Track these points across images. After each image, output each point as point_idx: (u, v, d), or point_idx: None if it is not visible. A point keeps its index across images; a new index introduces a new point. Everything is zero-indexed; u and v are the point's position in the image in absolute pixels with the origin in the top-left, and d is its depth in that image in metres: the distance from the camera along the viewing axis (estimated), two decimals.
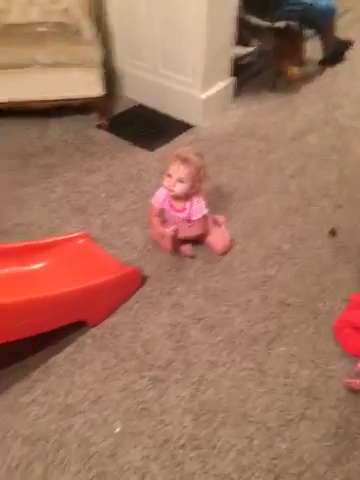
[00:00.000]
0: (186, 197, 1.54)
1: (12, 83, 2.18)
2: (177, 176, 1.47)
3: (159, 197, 1.60)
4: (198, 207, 1.56)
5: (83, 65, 2.17)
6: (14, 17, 2.37)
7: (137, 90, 2.63)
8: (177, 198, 1.55)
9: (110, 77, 2.62)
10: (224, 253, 1.68)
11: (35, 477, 1.11)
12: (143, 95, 2.60)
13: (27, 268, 1.37)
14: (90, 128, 2.39)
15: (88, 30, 2.19)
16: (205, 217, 1.60)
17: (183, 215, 1.59)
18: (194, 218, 1.57)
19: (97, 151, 2.23)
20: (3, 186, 2.00)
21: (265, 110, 2.59)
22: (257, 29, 2.88)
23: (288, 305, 1.53)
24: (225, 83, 2.51)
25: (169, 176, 1.48)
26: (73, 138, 2.32)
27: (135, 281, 1.52)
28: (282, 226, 1.84)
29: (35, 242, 1.47)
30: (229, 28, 2.32)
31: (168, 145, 2.29)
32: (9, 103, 2.24)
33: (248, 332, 1.44)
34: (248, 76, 2.85)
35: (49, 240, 1.51)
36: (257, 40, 3.00)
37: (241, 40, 2.75)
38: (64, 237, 1.55)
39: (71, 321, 1.33)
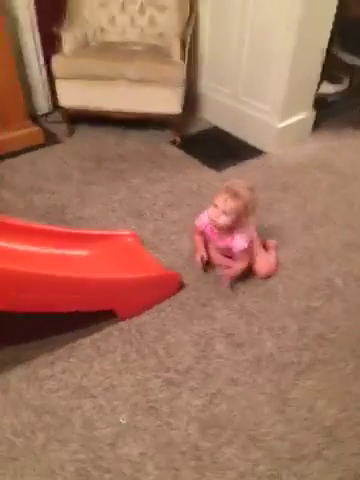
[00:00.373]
0: (229, 230, 1.50)
1: (100, 93, 2.38)
2: (223, 208, 1.43)
3: (203, 220, 1.57)
4: (240, 242, 1.51)
5: (166, 84, 2.31)
6: (114, 36, 2.62)
7: (215, 113, 2.72)
8: (220, 228, 1.51)
9: (192, 99, 2.77)
10: (267, 277, 1.64)
11: (35, 445, 1.13)
12: (220, 118, 2.69)
13: (72, 252, 1.45)
14: (163, 143, 2.51)
15: (177, 53, 2.33)
16: (247, 251, 1.54)
17: (223, 244, 1.56)
18: (235, 250, 1.53)
19: (165, 164, 2.33)
20: (73, 182, 2.16)
21: (345, 147, 2.53)
22: (350, 67, 2.87)
23: (327, 340, 1.43)
24: (304, 116, 2.50)
25: (215, 206, 1.45)
26: (146, 150, 2.45)
27: (172, 285, 1.53)
28: (338, 260, 1.75)
29: (85, 231, 1.55)
30: (316, 63, 2.33)
31: (235, 167, 2.32)
32: (95, 111, 2.45)
33: (277, 358, 1.36)
34: (332, 112, 2.82)
35: (98, 232, 1.59)
36: (349, 78, 2.97)
37: (331, 77, 2.75)
38: (113, 232, 1.62)
39: (102, 308, 1.37)
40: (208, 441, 1.15)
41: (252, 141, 2.52)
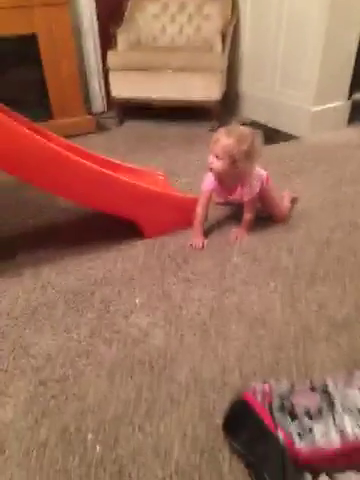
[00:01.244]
0: (235, 180, 1.47)
1: (148, 83, 2.66)
2: (215, 151, 1.38)
3: (207, 181, 1.51)
4: (248, 191, 1.48)
5: (207, 71, 2.55)
6: (164, 42, 2.96)
7: (253, 108, 2.91)
8: (222, 179, 1.47)
9: (233, 98, 2.99)
10: (282, 221, 1.65)
11: (55, 313, 1.23)
12: (257, 112, 2.86)
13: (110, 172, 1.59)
14: (202, 130, 2.70)
15: (218, 45, 2.58)
16: (254, 201, 1.52)
17: (232, 198, 1.54)
18: (244, 199, 1.51)
19: (201, 142, 2.47)
20: (118, 153, 2.37)
21: None
22: None
23: (344, 261, 1.43)
24: (339, 103, 2.60)
25: (210, 152, 1.41)
26: (185, 133, 2.65)
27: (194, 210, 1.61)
28: None
29: (127, 165, 1.74)
30: (347, 51, 2.46)
31: (268, 147, 2.44)
32: (143, 100, 2.72)
33: (292, 270, 1.39)
34: None
35: (137, 167, 1.76)
36: None
37: None
38: (148, 169, 1.78)
39: (127, 215, 1.49)
40: (216, 320, 1.19)
41: (287, 129, 2.64)
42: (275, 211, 1.64)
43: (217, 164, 1.40)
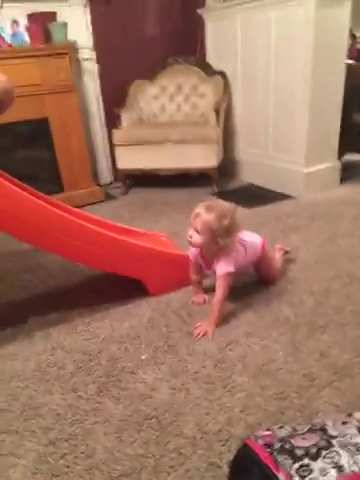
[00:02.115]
0: (215, 255, 1.43)
1: (150, 155, 2.88)
2: (194, 226, 1.39)
3: (192, 249, 1.52)
4: (222, 266, 1.42)
5: (204, 142, 2.76)
6: (164, 119, 3.24)
7: (250, 172, 3.10)
8: (204, 253, 1.48)
9: (230, 164, 3.20)
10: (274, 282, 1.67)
11: (64, 373, 1.27)
12: (254, 175, 3.05)
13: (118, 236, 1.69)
14: (203, 195, 2.87)
15: (213, 119, 2.83)
16: (226, 280, 1.43)
17: (211, 271, 1.50)
18: (218, 273, 1.43)
19: None
20: (124, 220, 2.52)
21: None
22: None
23: (344, 310, 1.47)
24: (329, 164, 2.77)
25: (190, 226, 1.41)
26: (187, 198, 2.80)
27: None
28: None
29: (131, 228, 1.86)
30: (332, 117, 2.67)
31: (265, 206, 2.58)
32: (146, 170, 2.93)
33: (293, 320, 1.43)
34: None
35: (141, 230, 1.89)
36: None
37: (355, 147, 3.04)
38: (152, 232, 1.90)
39: (133, 274, 1.57)
40: (220, 372, 1.21)
41: (282, 189, 2.80)
42: (270, 275, 1.66)
43: (196, 238, 1.39)
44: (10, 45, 2.49)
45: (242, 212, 2.48)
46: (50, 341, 1.42)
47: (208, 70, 3.19)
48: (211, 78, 3.16)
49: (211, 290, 1.64)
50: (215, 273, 1.45)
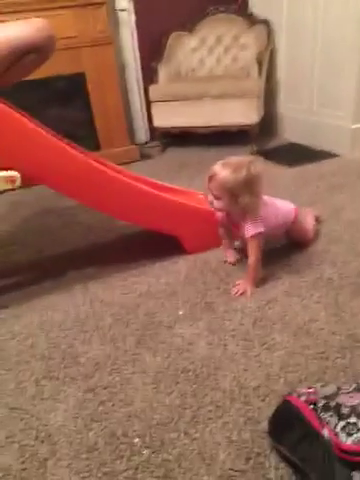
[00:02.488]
0: (241, 216, 1.34)
1: (188, 111, 2.78)
2: (211, 190, 1.32)
3: (219, 214, 1.46)
4: (249, 228, 1.33)
5: (244, 96, 2.63)
6: (203, 73, 3.09)
7: (292, 130, 2.94)
8: (231, 217, 1.41)
9: (271, 121, 3.05)
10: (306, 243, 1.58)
11: (103, 325, 1.28)
12: (297, 134, 2.89)
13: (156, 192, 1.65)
14: (242, 154, 2.74)
15: (255, 71, 2.67)
16: (258, 240, 1.35)
17: (240, 232, 1.42)
18: (247, 235, 1.35)
19: None
20: (160, 178, 2.47)
21: None
22: None
23: None
24: None
25: (209, 190, 1.35)
26: (225, 157, 2.68)
27: None
28: None
29: (170, 185, 1.84)
30: None
31: (308, 165, 2.45)
32: (184, 128, 2.84)
33: (336, 281, 1.37)
34: None
35: (179, 188, 1.85)
36: None
37: None
38: (190, 190, 1.86)
39: (171, 231, 1.54)
40: (259, 330, 1.19)
41: (327, 147, 2.64)
42: (303, 242, 1.57)
43: (216, 203, 1.33)
44: None
45: (283, 172, 2.39)
46: (88, 294, 1.44)
47: (251, 19, 3.00)
48: (253, 28, 2.96)
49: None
50: (244, 238, 1.37)
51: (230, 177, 1.25)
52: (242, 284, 1.37)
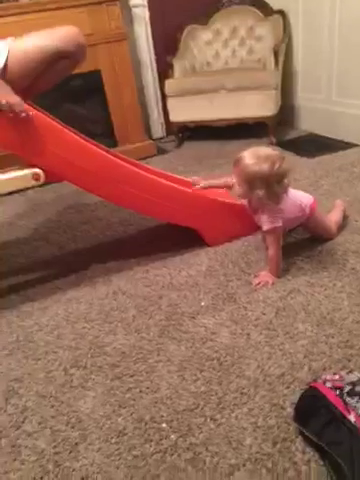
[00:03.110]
0: (260, 206, 1.34)
1: (204, 105, 2.78)
2: (234, 174, 1.32)
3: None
4: (265, 221, 1.34)
5: (261, 88, 2.61)
6: (218, 66, 3.08)
7: (311, 121, 2.91)
8: (251, 203, 1.40)
9: (289, 112, 3.02)
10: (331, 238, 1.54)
11: (127, 316, 1.31)
12: (315, 124, 2.86)
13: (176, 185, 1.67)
14: (261, 145, 2.74)
15: (271, 63, 2.65)
16: (276, 234, 1.36)
17: (257, 222, 1.42)
18: (264, 228, 1.36)
19: None
20: (177, 172, 2.49)
21: None
22: None
23: None
24: None
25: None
26: (242, 149, 2.70)
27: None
28: None
29: (187, 179, 1.81)
30: None
31: (329, 155, 2.42)
32: (200, 121, 2.85)
33: None
34: None
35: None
36: None
37: None
38: None
39: (190, 224, 1.56)
40: (282, 319, 1.20)
41: (347, 138, 2.60)
42: (322, 235, 1.54)
43: (237, 191, 1.32)
44: None
45: (302, 162, 2.37)
46: (111, 287, 1.47)
47: (266, 9, 2.97)
48: (269, 18, 2.94)
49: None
50: (260, 226, 1.38)
51: (251, 167, 1.24)
52: (263, 275, 1.38)
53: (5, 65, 1.30)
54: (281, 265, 1.40)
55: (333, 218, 1.58)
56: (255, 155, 1.26)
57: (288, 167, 1.28)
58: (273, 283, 1.35)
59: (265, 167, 1.22)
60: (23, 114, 1.22)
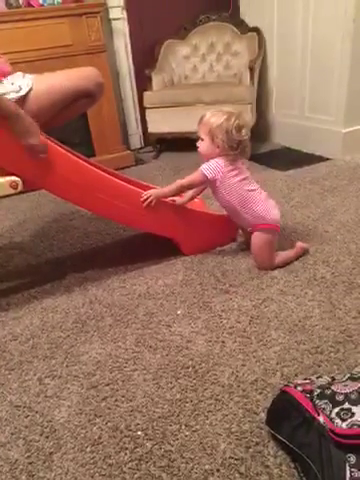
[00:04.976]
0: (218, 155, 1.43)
1: (181, 117, 2.83)
2: (198, 135, 1.45)
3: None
4: (206, 164, 1.44)
5: (237, 103, 2.67)
6: (196, 79, 3.15)
7: (284, 135, 3.00)
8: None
9: (264, 127, 3.11)
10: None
11: (103, 325, 1.31)
12: (289, 138, 2.95)
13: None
14: None
15: (247, 78, 2.73)
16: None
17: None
18: (200, 168, 1.46)
19: None
20: (157, 182, 2.52)
21: None
22: None
23: None
24: None
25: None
26: None
27: (231, 229, 1.67)
28: None
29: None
30: None
31: (300, 169, 2.50)
32: (177, 133, 2.89)
33: (329, 279, 1.41)
34: None
35: None
36: None
37: None
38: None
39: (168, 233, 1.58)
40: (255, 327, 1.23)
41: (319, 152, 2.70)
42: (256, 261, 1.50)
43: (200, 146, 1.46)
44: (42, 5, 2.46)
45: (276, 175, 2.44)
46: (88, 296, 1.47)
47: (242, 27, 3.06)
48: (245, 35, 3.03)
49: (245, 249, 1.63)
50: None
51: (211, 119, 1.40)
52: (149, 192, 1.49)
53: (25, 98, 1.33)
54: (171, 191, 1.51)
55: (280, 256, 1.51)
56: (215, 111, 1.43)
57: (246, 120, 1.48)
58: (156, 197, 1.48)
59: (223, 118, 1.39)
60: (42, 155, 1.28)
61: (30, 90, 1.34)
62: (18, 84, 1.34)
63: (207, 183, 1.49)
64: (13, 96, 1.30)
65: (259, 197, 1.46)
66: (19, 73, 1.40)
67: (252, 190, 1.46)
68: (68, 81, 1.41)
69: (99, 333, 1.28)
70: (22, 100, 1.33)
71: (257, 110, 2.97)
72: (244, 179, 1.45)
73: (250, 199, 1.45)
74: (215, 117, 1.40)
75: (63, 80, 1.42)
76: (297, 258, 1.54)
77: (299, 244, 1.56)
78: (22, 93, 1.32)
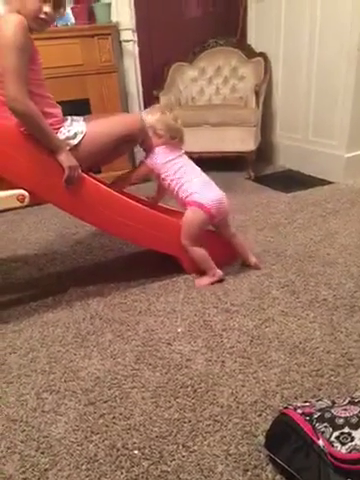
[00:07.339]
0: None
1: (187, 138, 2.86)
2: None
3: None
4: (152, 156, 1.62)
5: (242, 125, 2.73)
6: (202, 101, 3.21)
7: (288, 157, 3.04)
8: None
9: (268, 149, 3.15)
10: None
11: (103, 340, 1.31)
12: (292, 161, 2.99)
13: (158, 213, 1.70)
14: (239, 178, 2.84)
15: (252, 101, 2.79)
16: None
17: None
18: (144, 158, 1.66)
19: (239, 189, 2.63)
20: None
21: None
22: None
23: None
24: None
25: None
26: (223, 181, 2.74)
27: (233, 248, 1.68)
28: None
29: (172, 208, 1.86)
30: None
31: (304, 191, 2.53)
32: None
33: (331, 301, 1.41)
34: None
35: (178, 210, 1.88)
36: None
37: None
38: None
39: (171, 251, 1.59)
40: (256, 348, 1.22)
41: (321, 175, 2.73)
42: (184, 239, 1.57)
43: (154, 141, 1.61)
44: (56, 26, 2.53)
45: (278, 197, 2.46)
46: (89, 311, 1.47)
47: (249, 52, 3.14)
48: (251, 60, 3.10)
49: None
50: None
51: (150, 115, 1.59)
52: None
53: (78, 143, 1.42)
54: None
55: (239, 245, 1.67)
56: (148, 109, 1.66)
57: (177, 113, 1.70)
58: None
59: (159, 112, 1.60)
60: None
61: (83, 137, 1.42)
62: (74, 132, 1.41)
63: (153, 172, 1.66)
64: (71, 142, 1.40)
65: (196, 180, 1.62)
66: (68, 118, 1.46)
67: (189, 172, 1.63)
68: (116, 128, 1.50)
69: (99, 349, 1.28)
70: (75, 146, 1.41)
71: (262, 132, 3.02)
72: (183, 166, 1.64)
73: (187, 181, 1.60)
74: (151, 114, 1.61)
75: (111, 127, 1.51)
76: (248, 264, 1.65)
77: (254, 260, 1.65)
78: (77, 140, 1.41)
